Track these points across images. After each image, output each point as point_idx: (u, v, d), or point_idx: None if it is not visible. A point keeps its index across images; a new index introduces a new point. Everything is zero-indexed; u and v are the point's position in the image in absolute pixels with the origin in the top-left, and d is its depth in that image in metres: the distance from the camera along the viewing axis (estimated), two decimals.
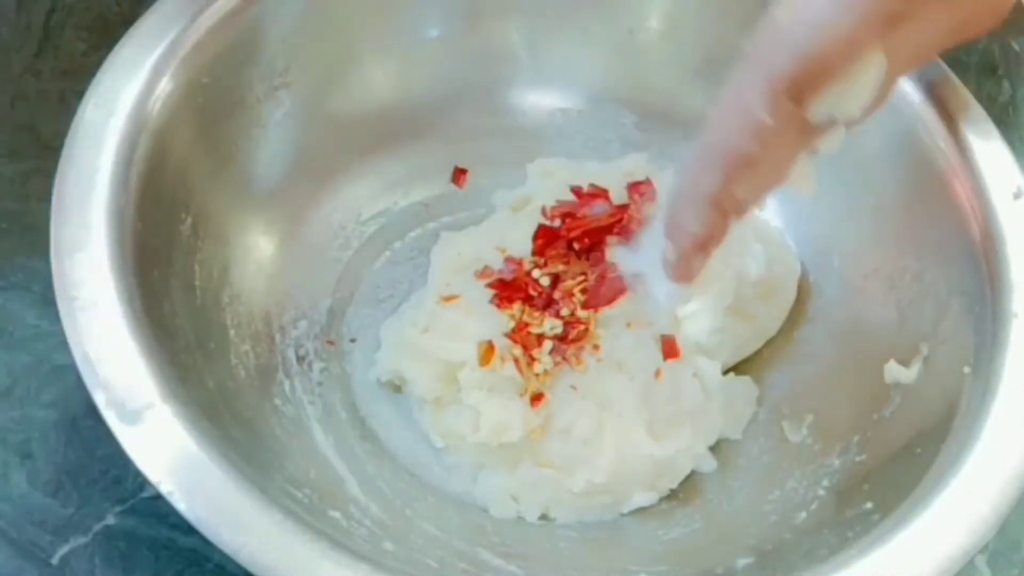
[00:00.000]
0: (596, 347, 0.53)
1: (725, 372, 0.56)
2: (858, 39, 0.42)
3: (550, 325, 0.53)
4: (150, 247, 0.49)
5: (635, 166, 0.59)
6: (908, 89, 0.56)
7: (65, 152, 0.49)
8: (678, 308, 0.55)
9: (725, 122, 0.44)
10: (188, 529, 0.41)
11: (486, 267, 0.55)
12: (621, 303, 0.54)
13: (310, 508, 0.46)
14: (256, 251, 0.57)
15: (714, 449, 0.55)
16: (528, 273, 0.55)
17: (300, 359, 0.56)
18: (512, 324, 0.53)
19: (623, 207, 0.56)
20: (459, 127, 0.63)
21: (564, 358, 0.53)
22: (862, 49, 0.42)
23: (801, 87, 0.42)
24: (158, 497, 0.42)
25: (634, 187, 0.57)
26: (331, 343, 0.57)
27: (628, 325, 0.54)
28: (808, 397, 0.56)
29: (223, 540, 0.41)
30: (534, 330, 0.53)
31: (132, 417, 0.43)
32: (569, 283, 0.54)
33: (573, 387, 0.53)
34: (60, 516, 0.50)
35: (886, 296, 0.56)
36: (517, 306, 0.54)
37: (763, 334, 0.58)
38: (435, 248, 0.58)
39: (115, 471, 0.51)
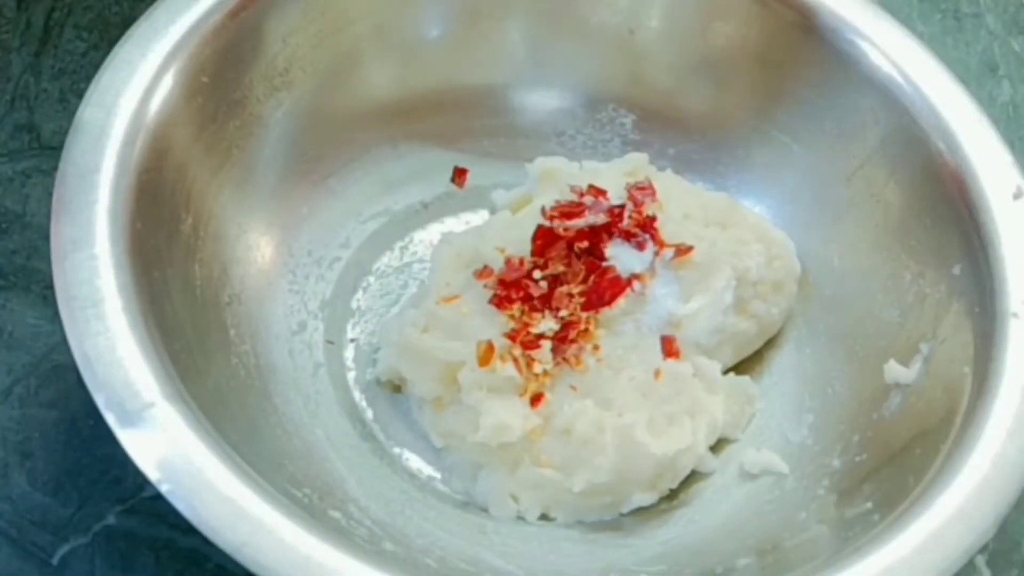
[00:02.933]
0: (596, 347, 0.53)
1: (725, 372, 0.56)
2: None
3: (549, 325, 0.53)
4: (150, 247, 0.49)
5: (635, 166, 0.59)
6: (908, 89, 0.56)
7: (65, 152, 0.49)
8: (678, 308, 0.55)
9: None
10: (188, 529, 0.41)
11: (486, 267, 0.55)
12: (620, 303, 0.54)
13: (310, 508, 0.46)
14: (256, 251, 0.57)
15: (714, 449, 0.55)
16: (528, 273, 0.55)
17: (300, 359, 0.56)
18: (512, 324, 0.53)
19: (623, 207, 0.56)
20: (459, 127, 0.63)
21: (564, 358, 0.53)
22: None
23: None
24: (158, 497, 0.42)
25: (633, 187, 0.57)
26: (331, 343, 0.57)
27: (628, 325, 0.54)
28: (808, 397, 0.56)
29: (223, 540, 0.41)
30: (534, 330, 0.53)
31: (132, 417, 0.43)
32: (569, 283, 0.54)
33: (573, 387, 0.53)
34: (60, 516, 0.50)
35: (886, 296, 0.56)
36: (517, 306, 0.54)
37: (763, 334, 0.58)
38: (435, 248, 0.58)
39: (115, 471, 0.51)
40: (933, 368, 0.52)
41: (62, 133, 0.49)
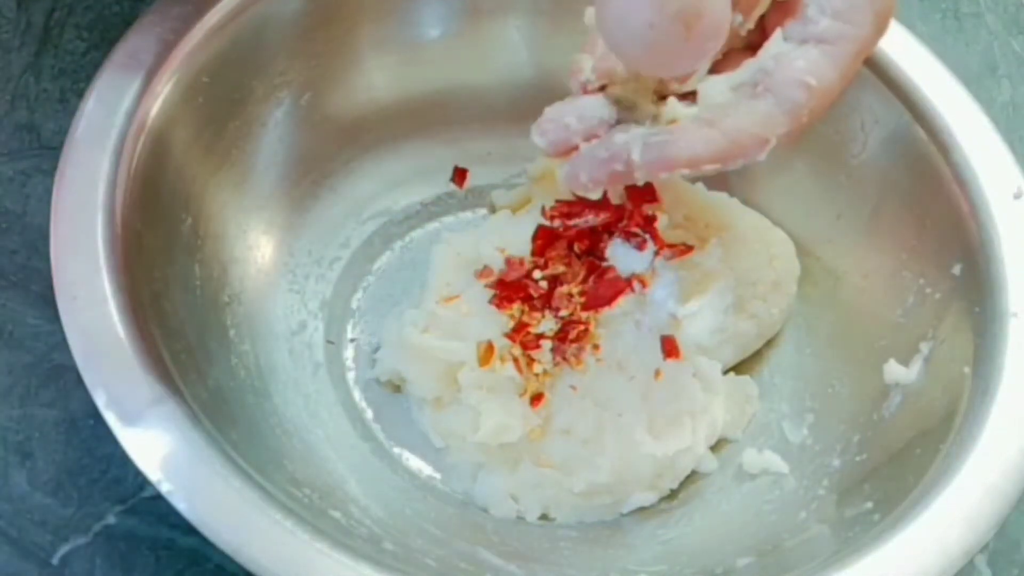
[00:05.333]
0: (596, 347, 0.53)
1: (725, 372, 0.56)
2: None
3: (549, 325, 0.53)
4: (150, 247, 0.49)
5: None
6: (908, 89, 0.56)
7: (65, 152, 0.49)
8: (678, 308, 0.55)
9: None
10: (188, 529, 0.41)
11: (486, 267, 0.55)
12: (620, 303, 0.54)
13: (310, 508, 0.46)
14: (256, 251, 0.57)
15: (714, 449, 0.55)
16: (528, 273, 0.55)
17: (300, 359, 0.56)
18: (511, 324, 0.53)
19: (622, 207, 0.56)
20: (459, 127, 0.63)
21: (564, 358, 0.53)
22: None
23: None
24: (158, 497, 0.42)
25: (633, 187, 0.57)
26: (331, 343, 0.57)
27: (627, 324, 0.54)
28: (808, 397, 0.56)
29: (223, 540, 0.41)
30: (533, 330, 0.53)
31: (132, 417, 0.43)
32: (569, 283, 0.54)
33: (573, 387, 0.53)
34: (60, 516, 0.50)
35: (886, 296, 0.56)
36: (516, 306, 0.54)
37: (763, 334, 0.58)
38: (435, 248, 0.58)
39: (115, 471, 0.51)
40: (933, 368, 0.52)
41: (62, 133, 0.49)
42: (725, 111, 0.43)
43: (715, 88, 0.44)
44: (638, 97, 0.46)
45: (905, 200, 0.56)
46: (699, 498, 0.54)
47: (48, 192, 0.48)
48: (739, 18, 0.45)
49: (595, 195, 0.46)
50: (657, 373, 0.53)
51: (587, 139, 0.44)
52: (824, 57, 0.43)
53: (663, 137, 0.43)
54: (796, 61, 0.43)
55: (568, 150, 0.44)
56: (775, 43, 0.44)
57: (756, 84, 0.43)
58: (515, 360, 0.53)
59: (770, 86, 0.43)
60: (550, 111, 0.45)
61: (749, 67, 0.44)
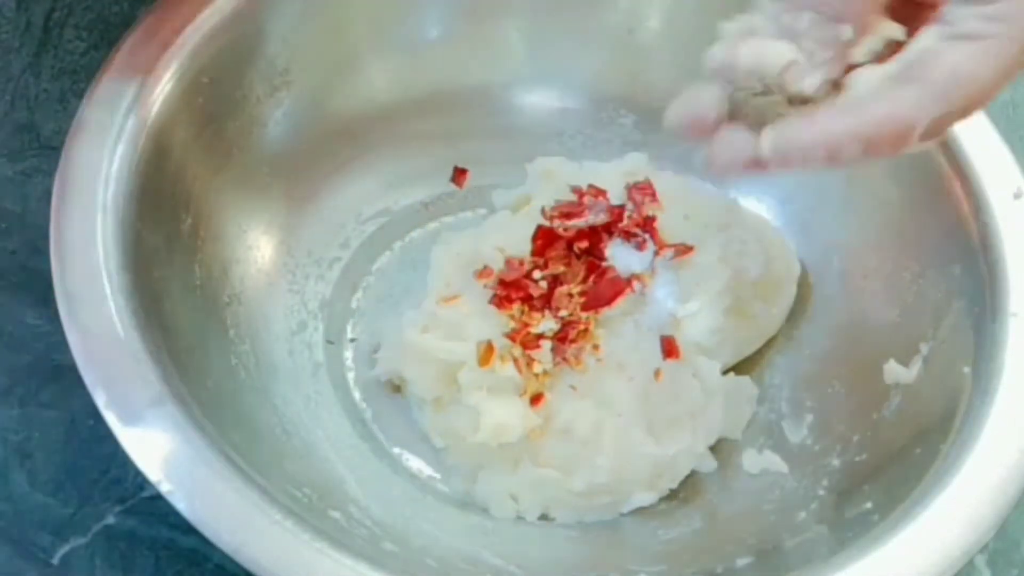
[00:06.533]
0: (596, 347, 0.53)
1: (725, 372, 0.56)
2: None
3: (549, 325, 0.53)
4: (150, 247, 0.49)
5: (635, 166, 0.59)
6: None
7: (65, 152, 0.49)
8: (677, 308, 0.55)
9: None
10: (188, 529, 0.41)
11: (486, 267, 0.55)
12: (620, 303, 0.54)
13: (310, 508, 0.46)
14: (256, 251, 0.57)
15: (714, 449, 0.55)
16: (528, 273, 0.55)
17: (300, 359, 0.56)
18: (512, 324, 0.53)
19: (622, 207, 0.56)
20: (459, 127, 0.63)
21: (564, 358, 0.53)
22: None
23: None
24: (158, 497, 0.42)
25: (633, 187, 0.57)
26: (331, 343, 0.57)
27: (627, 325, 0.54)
28: (808, 397, 0.56)
29: (223, 540, 0.41)
30: (533, 330, 0.53)
31: (132, 417, 0.43)
32: (568, 283, 0.54)
33: (573, 387, 0.53)
34: (60, 516, 0.50)
35: (886, 296, 0.56)
36: (516, 306, 0.54)
37: (763, 334, 0.58)
38: (435, 248, 0.58)
39: (115, 471, 0.51)
40: (933, 368, 0.52)
41: (62, 133, 0.49)
42: (871, 97, 0.42)
43: (862, 78, 0.43)
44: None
45: (905, 200, 0.56)
46: (699, 498, 0.54)
47: (48, 192, 0.48)
48: (849, 31, 0.44)
49: (732, 180, 0.45)
50: (657, 373, 0.53)
51: (720, 121, 0.44)
52: (978, 52, 0.42)
53: (799, 121, 0.41)
54: (945, 55, 0.42)
55: (702, 130, 0.44)
56: (924, 38, 0.43)
57: (902, 75, 0.42)
58: (515, 360, 0.53)
59: (918, 75, 0.42)
60: (684, 94, 0.45)
61: (897, 60, 0.43)
